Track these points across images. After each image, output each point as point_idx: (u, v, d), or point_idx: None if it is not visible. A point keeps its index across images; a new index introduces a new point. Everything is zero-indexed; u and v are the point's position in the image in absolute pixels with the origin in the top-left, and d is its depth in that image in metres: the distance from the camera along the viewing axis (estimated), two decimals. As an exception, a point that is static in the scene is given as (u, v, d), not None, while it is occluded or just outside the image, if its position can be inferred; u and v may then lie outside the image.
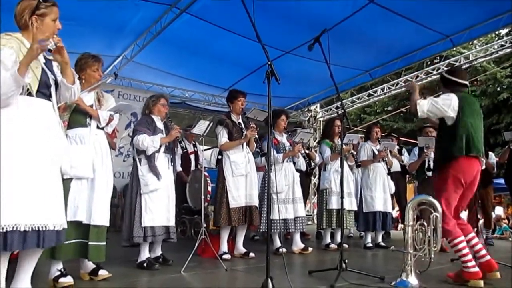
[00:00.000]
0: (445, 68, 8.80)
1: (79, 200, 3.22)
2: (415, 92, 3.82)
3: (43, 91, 2.49)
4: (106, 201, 3.37)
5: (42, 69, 2.50)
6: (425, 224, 3.50)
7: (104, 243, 3.35)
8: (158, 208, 4.05)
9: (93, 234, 3.26)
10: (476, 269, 3.45)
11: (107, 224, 3.38)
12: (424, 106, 3.64)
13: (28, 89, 2.39)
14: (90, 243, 3.24)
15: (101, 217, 3.30)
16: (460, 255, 3.51)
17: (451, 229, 3.52)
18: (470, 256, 3.48)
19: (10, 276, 2.48)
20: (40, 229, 2.30)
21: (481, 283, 3.41)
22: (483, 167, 3.91)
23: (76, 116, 3.36)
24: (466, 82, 3.83)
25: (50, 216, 2.36)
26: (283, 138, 5.48)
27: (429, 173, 5.76)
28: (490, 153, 7.31)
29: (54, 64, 2.61)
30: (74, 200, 3.20)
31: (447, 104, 3.61)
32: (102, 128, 3.49)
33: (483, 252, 3.60)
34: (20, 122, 2.34)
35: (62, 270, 3.18)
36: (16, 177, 2.26)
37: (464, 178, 3.58)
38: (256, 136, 4.83)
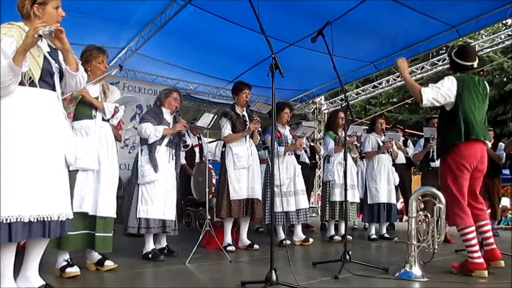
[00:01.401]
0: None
1: (85, 192, 3.26)
2: (404, 71, 3.68)
3: (47, 80, 2.49)
4: (111, 193, 3.40)
5: (45, 57, 2.50)
6: (429, 215, 3.50)
7: (111, 234, 3.40)
8: (154, 200, 4.05)
9: (99, 226, 3.30)
10: (481, 260, 3.45)
11: (114, 215, 3.41)
12: (429, 94, 3.53)
13: (30, 78, 2.39)
14: (96, 234, 3.28)
15: (107, 208, 3.33)
16: (467, 245, 3.50)
17: (464, 217, 3.49)
18: (477, 247, 3.47)
19: (18, 265, 2.52)
20: (45, 219, 2.33)
21: (485, 273, 3.41)
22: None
23: (81, 108, 3.39)
24: (472, 63, 3.69)
25: (55, 206, 2.39)
26: (286, 131, 5.48)
27: (433, 164, 5.76)
28: (500, 143, 7.24)
29: (60, 53, 2.62)
30: (80, 191, 3.24)
31: (449, 89, 3.54)
32: (108, 120, 3.51)
33: (491, 240, 3.60)
34: (21, 113, 2.35)
35: (69, 260, 3.22)
36: (19, 168, 2.28)
37: (468, 162, 3.53)
38: (259, 129, 4.83)
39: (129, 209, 4.07)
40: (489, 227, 3.66)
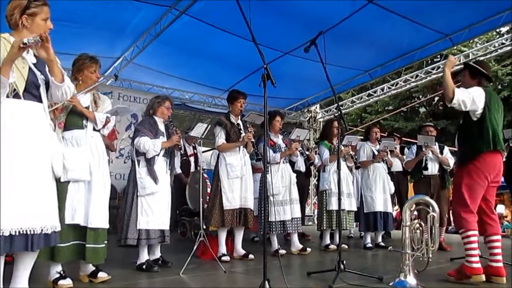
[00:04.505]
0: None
1: (76, 203, 3.22)
2: (448, 68, 3.69)
3: (32, 91, 2.46)
4: (103, 204, 3.36)
5: (30, 68, 2.47)
6: (423, 224, 3.50)
7: (103, 245, 3.35)
8: (154, 211, 4.04)
9: (90, 237, 3.25)
10: (478, 265, 3.46)
11: (105, 226, 3.37)
12: (461, 95, 3.59)
13: (15, 90, 2.36)
14: (87, 245, 3.24)
15: (98, 219, 3.29)
16: (467, 248, 3.51)
17: (469, 221, 3.52)
18: (476, 252, 3.49)
19: (8, 277, 2.49)
20: (28, 232, 2.29)
21: (483, 277, 3.42)
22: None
23: (72, 118, 3.35)
24: (491, 76, 3.88)
25: (38, 218, 2.35)
26: (278, 139, 5.45)
27: (425, 172, 5.76)
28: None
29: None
30: (71, 203, 3.20)
31: (478, 98, 3.61)
32: (99, 130, 3.47)
33: (499, 257, 3.58)
34: (5, 125, 2.31)
35: (62, 272, 3.19)
36: (1, 181, 2.24)
37: (488, 172, 3.58)
38: (253, 140, 4.82)
39: (128, 221, 4.02)
40: (499, 243, 3.65)
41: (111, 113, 3.57)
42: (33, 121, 2.45)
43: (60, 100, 2.78)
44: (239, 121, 4.95)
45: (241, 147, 4.83)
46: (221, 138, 4.77)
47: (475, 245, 3.49)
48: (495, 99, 3.76)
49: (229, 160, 4.74)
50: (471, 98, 3.60)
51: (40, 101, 2.53)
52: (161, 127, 4.32)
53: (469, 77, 3.84)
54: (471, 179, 3.59)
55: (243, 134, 4.79)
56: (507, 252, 5.09)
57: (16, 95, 2.39)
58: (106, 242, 3.41)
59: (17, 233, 2.26)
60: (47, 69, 2.58)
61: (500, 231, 3.79)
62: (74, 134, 3.33)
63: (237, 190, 4.71)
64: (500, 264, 3.56)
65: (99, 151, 3.41)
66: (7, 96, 2.35)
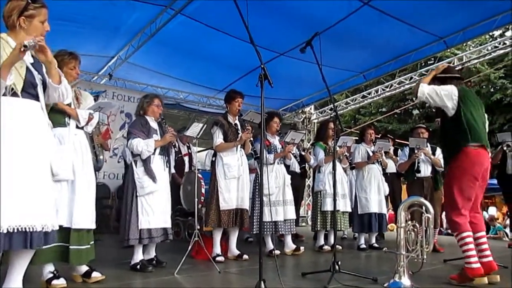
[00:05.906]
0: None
1: (59, 203, 3.05)
2: (430, 75, 3.91)
3: (29, 91, 2.46)
4: (88, 203, 3.28)
5: (27, 68, 2.47)
6: (417, 225, 3.52)
7: (86, 246, 3.27)
8: (155, 210, 4.02)
9: (73, 238, 3.17)
10: (478, 265, 3.48)
11: (90, 226, 3.31)
12: (426, 88, 3.68)
13: (12, 88, 2.36)
14: (70, 247, 3.15)
15: (83, 220, 3.21)
16: (464, 250, 3.54)
17: (461, 223, 3.54)
18: (474, 252, 3.51)
19: (2, 276, 2.48)
20: (27, 230, 2.28)
21: (485, 279, 3.45)
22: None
23: (54, 115, 3.18)
24: (460, 75, 3.93)
25: (38, 217, 2.34)
26: (275, 140, 5.47)
27: (419, 175, 5.79)
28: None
29: (43, 64, 2.59)
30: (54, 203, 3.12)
31: (447, 95, 3.65)
32: (82, 128, 3.41)
33: (488, 252, 3.62)
34: (3, 123, 2.30)
35: (55, 272, 3.15)
36: (1, 179, 2.22)
37: (478, 171, 3.60)
38: (251, 138, 4.82)
39: (128, 221, 3.98)
40: (485, 239, 3.70)
41: (94, 109, 3.52)
42: (31, 118, 2.45)
43: (56, 101, 2.77)
44: (237, 121, 4.94)
45: (239, 147, 4.82)
46: (219, 138, 4.75)
47: (471, 246, 3.52)
48: (471, 95, 3.79)
49: (226, 160, 4.72)
50: (439, 93, 3.67)
51: (38, 100, 2.52)
52: (154, 125, 4.30)
53: (441, 84, 3.91)
54: (461, 183, 3.61)
55: (241, 134, 4.78)
56: (503, 253, 5.14)
57: (13, 94, 2.38)
58: (91, 243, 3.34)
59: (16, 231, 2.24)
60: (43, 69, 2.58)
61: (484, 227, 3.84)
62: (56, 132, 3.17)
63: (234, 191, 4.70)
64: (491, 259, 3.60)
65: (83, 149, 3.34)
66: (5, 95, 2.35)
